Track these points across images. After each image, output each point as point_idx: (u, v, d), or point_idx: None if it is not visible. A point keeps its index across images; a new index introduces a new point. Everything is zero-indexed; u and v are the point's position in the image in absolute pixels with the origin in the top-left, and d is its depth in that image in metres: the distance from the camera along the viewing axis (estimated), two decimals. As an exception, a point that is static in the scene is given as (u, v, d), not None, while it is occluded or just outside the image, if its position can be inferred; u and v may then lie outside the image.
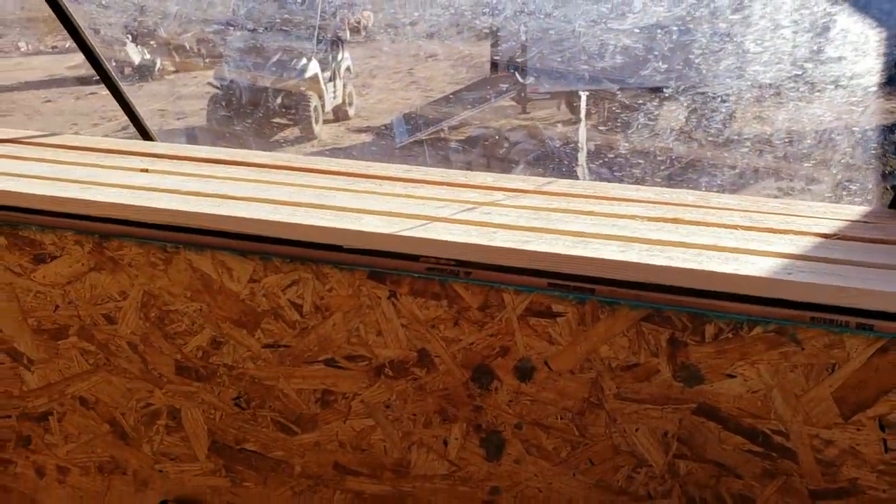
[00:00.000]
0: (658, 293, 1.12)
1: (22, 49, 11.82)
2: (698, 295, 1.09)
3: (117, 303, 1.34)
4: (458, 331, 1.20)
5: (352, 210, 1.31)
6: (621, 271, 1.12)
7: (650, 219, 1.29)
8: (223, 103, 8.64)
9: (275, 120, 8.66)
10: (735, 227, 1.22)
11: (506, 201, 1.41)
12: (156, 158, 1.65)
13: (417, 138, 8.07)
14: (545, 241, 1.18)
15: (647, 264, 1.11)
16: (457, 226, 1.25)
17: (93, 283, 1.35)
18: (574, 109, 7.67)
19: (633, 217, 1.31)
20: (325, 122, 8.86)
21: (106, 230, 1.33)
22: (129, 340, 1.35)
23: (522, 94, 7.79)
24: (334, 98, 8.95)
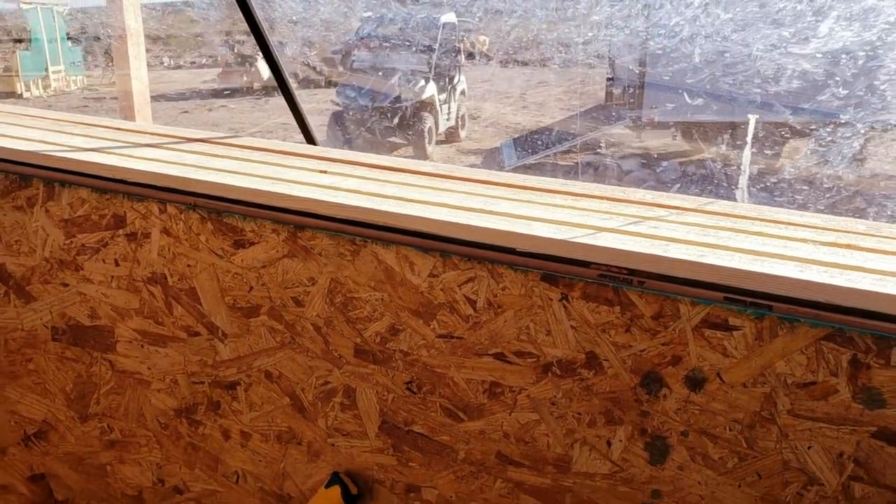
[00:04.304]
0: (838, 314, 1.12)
1: (165, 63, 13.06)
2: (884, 319, 1.09)
3: (306, 288, 1.48)
4: (630, 337, 1.25)
5: (520, 217, 1.39)
6: (802, 290, 1.13)
7: (823, 243, 1.30)
8: (342, 120, 9.10)
9: (390, 139, 9.02)
10: None
11: (669, 217, 1.45)
12: (329, 162, 1.81)
13: (526, 162, 8.16)
14: (720, 256, 1.21)
15: (831, 285, 1.12)
16: (626, 237, 1.30)
17: (285, 268, 1.50)
18: (690, 139, 7.52)
19: (804, 241, 1.32)
20: (437, 142, 9.13)
21: (300, 222, 1.48)
22: (314, 322, 1.48)
23: (637, 123, 7.73)
24: (447, 120, 9.22)
